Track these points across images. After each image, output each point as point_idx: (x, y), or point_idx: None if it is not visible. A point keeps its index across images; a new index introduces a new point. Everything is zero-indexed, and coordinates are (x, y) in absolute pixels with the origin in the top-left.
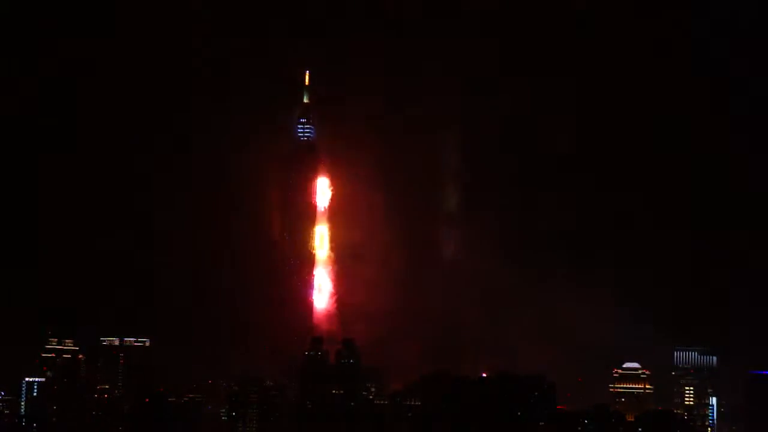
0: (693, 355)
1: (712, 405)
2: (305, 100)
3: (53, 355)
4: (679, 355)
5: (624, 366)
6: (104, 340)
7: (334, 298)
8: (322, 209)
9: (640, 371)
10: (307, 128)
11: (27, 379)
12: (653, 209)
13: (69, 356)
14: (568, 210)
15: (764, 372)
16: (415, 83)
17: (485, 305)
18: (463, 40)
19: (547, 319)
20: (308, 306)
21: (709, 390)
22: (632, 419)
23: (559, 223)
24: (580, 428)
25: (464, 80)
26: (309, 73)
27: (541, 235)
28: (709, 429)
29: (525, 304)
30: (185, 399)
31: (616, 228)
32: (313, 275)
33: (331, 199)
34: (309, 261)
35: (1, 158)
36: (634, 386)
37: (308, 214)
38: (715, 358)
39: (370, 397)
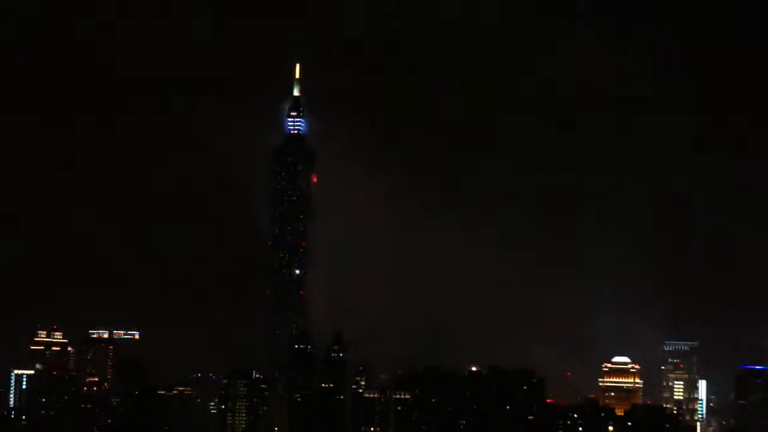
0: (683, 350)
1: (702, 399)
2: (296, 93)
3: (42, 347)
4: (668, 350)
5: (613, 360)
6: (93, 333)
7: (325, 292)
8: (314, 203)
9: (629, 365)
10: (297, 121)
11: (16, 371)
12: (649, 206)
13: (58, 348)
14: (560, 204)
15: (754, 366)
16: (413, 79)
17: (476, 300)
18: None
19: (536, 314)
20: (298, 299)
21: (699, 385)
22: (621, 413)
23: (551, 218)
24: (569, 422)
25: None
26: (300, 65)
27: (535, 229)
28: (699, 423)
29: (514, 298)
30: (175, 392)
31: (609, 222)
32: (304, 269)
33: (323, 193)
34: (300, 254)
35: None
36: (623, 380)
37: (299, 208)
38: (704, 353)
39: (360, 390)
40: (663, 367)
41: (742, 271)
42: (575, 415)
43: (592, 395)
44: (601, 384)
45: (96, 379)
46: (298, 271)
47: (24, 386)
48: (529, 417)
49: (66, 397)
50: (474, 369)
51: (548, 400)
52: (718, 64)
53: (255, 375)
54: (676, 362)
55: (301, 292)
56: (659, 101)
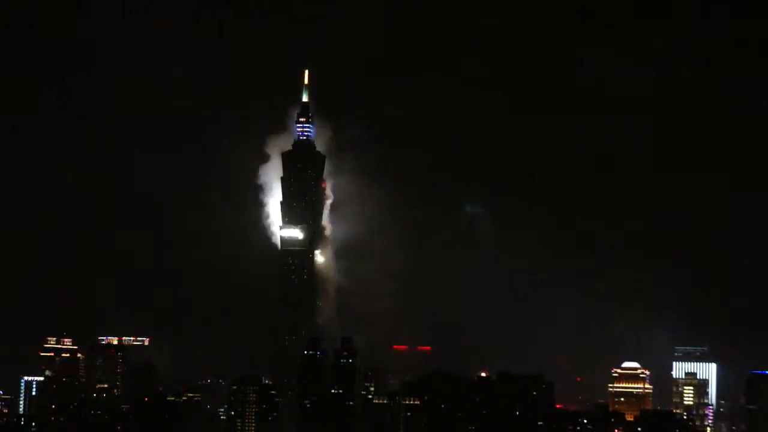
0: (692, 355)
1: (711, 405)
2: (304, 99)
3: (52, 354)
4: (678, 355)
5: (623, 366)
6: (103, 340)
7: (334, 298)
8: (323, 208)
9: (639, 371)
10: (306, 127)
11: (26, 378)
12: (655, 209)
13: (68, 355)
14: (571, 210)
15: (763, 372)
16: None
17: (487, 305)
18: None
19: (548, 319)
20: (308, 305)
21: (708, 390)
22: (632, 419)
23: (561, 223)
24: (579, 428)
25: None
26: (309, 72)
27: (544, 236)
28: (708, 429)
29: (525, 303)
30: (184, 398)
31: (617, 229)
32: (313, 274)
33: (332, 198)
34: (309, 260)
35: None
36: (633, 386)
37: (308, 213)
38: (714, 358)
39: (369, 396)
40: (673, 373)
41: (752, 275)
42: (585, 421)
43: (602, 400)
44: (611, 389)
45: (105, 386)
46: (307, 277)
47: (34, 393)
48: (539, 422)
49: (75, 404)
50: (483, 374)
51: (558, 405)
52: None
53: (264, 381)
54: (686, 368)
55: (311, 298)
56: None
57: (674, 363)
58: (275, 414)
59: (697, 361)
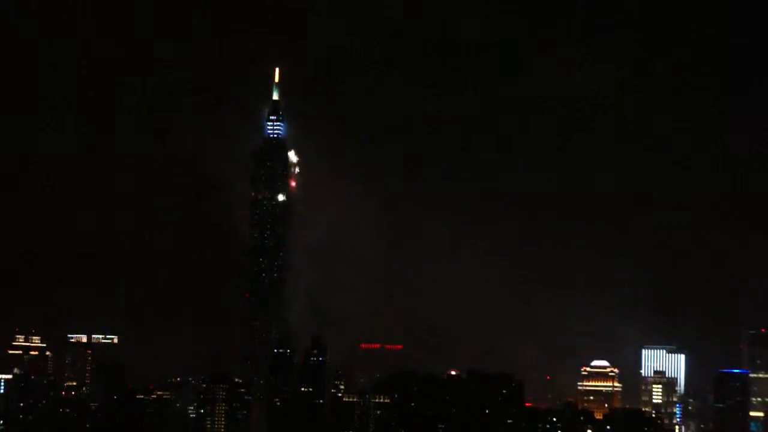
0: (661, 354)
1: (680, 402)
2: (275, 97)
3: (20, 351)
4: (647, 354)
5: (592, 364)
6: (71, 337)
7: (304, 297)
8: (294, 206)
9: (608, 369)
10: (277, 125)
11: None
12: (629, 210)
13: (36, 353)
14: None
15: (731, 370)
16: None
17: (460, 305)
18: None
19: (518, 318)
20: (278, 304)
21: (677, 388)
22: (600, 417)
23: (532, 223)
24: (548, 426)
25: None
26: (279, 70)
27: (517, 236)
28: (677, 427)
29: (497, 303)
30: (153, 396)
31: (587, 226)
32: (283, 273)
33: (303, 196)
34: (279, 259)
35: None
36: (602, 384)
37: (279, 212)
38: (682, 357)
39: (339, 394)
40: (641, 371)
41: (721, 276)
42: (554, 419)
43: (571, 399)
44: (580, 388)
45: (74, 384)
46: (277, 275)
47: (2, 391)
48: (509, 421)
49: (44, 402)
50: (453, 373)
51: (527, 404)
52: None
53: (234, 379)
54: (654, 366)
55: (282, 296)
56: None
57: (643, 362)
58: (245, 412)
59: (665, 360)
